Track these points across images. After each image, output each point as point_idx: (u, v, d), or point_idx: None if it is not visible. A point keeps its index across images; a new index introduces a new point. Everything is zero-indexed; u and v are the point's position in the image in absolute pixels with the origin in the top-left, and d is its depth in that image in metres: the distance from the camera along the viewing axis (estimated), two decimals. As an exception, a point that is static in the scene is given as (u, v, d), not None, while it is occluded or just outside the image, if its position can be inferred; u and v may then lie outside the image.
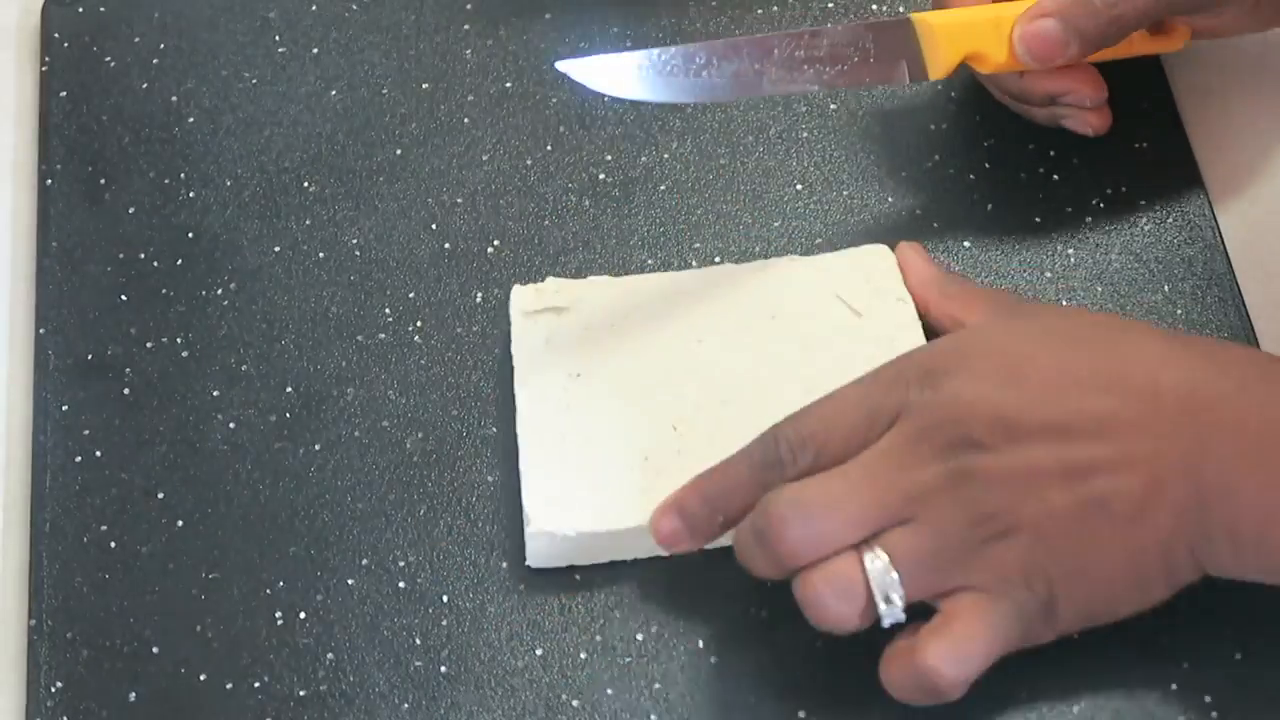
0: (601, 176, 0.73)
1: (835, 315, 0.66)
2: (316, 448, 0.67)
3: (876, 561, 0.56)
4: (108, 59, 0.77)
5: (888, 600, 0.56)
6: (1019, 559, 0.56)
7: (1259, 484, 0.54)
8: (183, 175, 0.74)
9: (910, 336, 0.65)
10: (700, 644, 0.62)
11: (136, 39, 0.78)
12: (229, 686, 0.62)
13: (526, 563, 0.63)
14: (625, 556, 0.63)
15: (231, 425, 0.67)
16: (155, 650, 0.62)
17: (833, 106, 0.75)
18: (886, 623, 0.57)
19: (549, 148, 0.74)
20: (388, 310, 0.70)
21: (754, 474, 0.59)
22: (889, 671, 0.57)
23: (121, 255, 0.72)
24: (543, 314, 0.66)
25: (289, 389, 0.68)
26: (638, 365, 0.65)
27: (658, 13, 0.78)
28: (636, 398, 0.64)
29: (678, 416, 0.64)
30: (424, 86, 0.76)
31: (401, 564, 0.64)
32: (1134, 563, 0.56)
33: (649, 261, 0.70)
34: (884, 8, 0.77)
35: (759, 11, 0.78)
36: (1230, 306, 0.68)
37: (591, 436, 0.63)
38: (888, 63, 0.66)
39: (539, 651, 0.62)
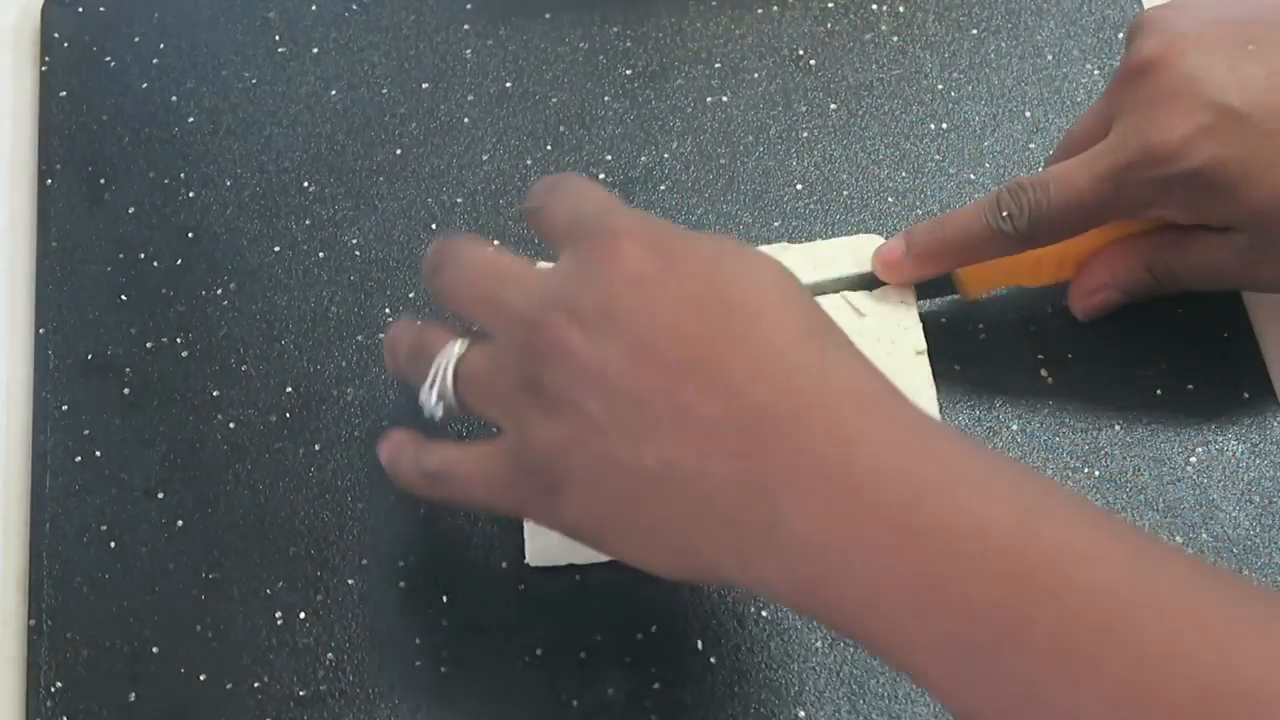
0: (601, 176, 0.73)
1: (837, 316, 0.66)
2: (316, 448, 0.67)
3: (451, 348, 0.58)
4: (108, 59, 0.77)
5: (433, 384, 0.58)
6: (543, 442, 0.54)
7: (817, 500, 0.50)
8: (183, 175, 0.74)
9: (908, 319, 0.65)
10: (700, 644, 0.62)
11: (136, 39, 0.78)
12: (229, 686, 0.62)
13: (526, 561, 0.63)
14: (625, 556, 0.63)
15: (231, 425, 0.67)
16: (155, 650, 0.62)
17: (833, 106, 0.75)
18: (425, 410, 0.59)
19: (549, 148, 0.74)
20: (388, 310, 0.70)
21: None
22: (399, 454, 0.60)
23: (121, 255, 0.72)
24: None
25: (289, 389, 0.68)
26: None
27: (658, 12, 0.78)
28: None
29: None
30: (424, 86, 0.76)
31: (401, 564, 0.64)
32: (652, 511, 0.53)
33: (649, 261, 0.70)
34: (883, 8, 0.77)
35: (759, 11, 0.78)
36: (1231, 306, 0.68)
37: (591, 436, 0.63)
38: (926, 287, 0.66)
39: (539, 651, 0.62)
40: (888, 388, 0.52)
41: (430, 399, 0.58)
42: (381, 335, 0.69)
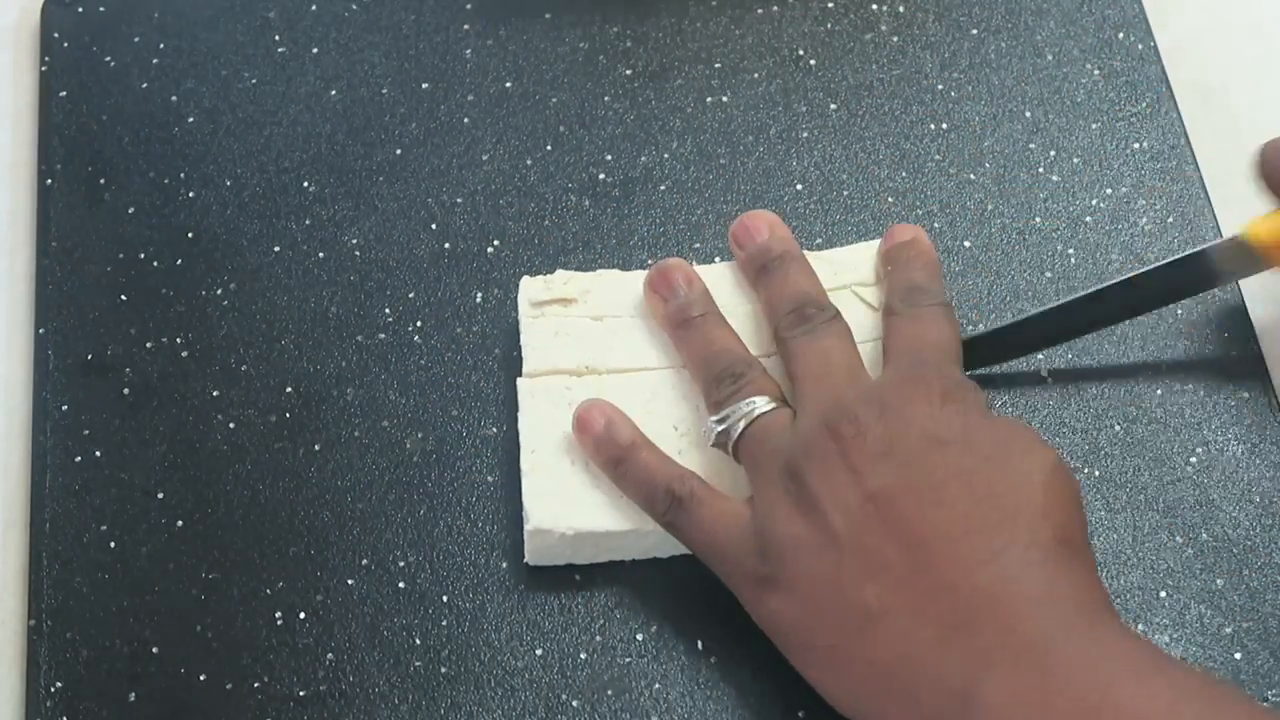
0: (601, 176, 0.73)
1: (849, 310, 0.66)
2: (316, 448, 0.67)
3: (756, 402, 0.60)
4: (108, 59, 0.77)
5: (723, 422, 0.61)
6: (783, 532, 0.57)
7: (1011, 693, 0.52)
8: (183, 175, 0.74)
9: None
10: (700, 644, 0.62)
11: (136, 39, 0.78)
12: (229, 686, 0.62)
13: (526, 561, 0.63)
14: (624, 556, 0.63)
15: (231, 425, 0.67)
16: (155, 650, 0.62)
17: (833, 106, 0.75)
18: (701, 432, 0.62)
19: (549, 148, 0.74)
20: (388, 310, 0.70)
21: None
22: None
23: (121, 255, 0.72)
24: (551, 305, 0.66)
25: (289, 389, 0.68)
26: (643, 362, 0.65)
27: (658, 12, 0.78)
28: (639, 396, 0.64)
29: (679, 416, 0.64)
30: (424, 86, 0.76)
31: (401, 564, 0.64)
32: (853, 646, 0.55)
33: (649, 261, 0.70)
34: (883, 8, 0.77)
35: (759, 11, 0.78)
36: (1230, 306, 0.68)
37: (592, 436, 0.64)
38: (1232, 272, 0.65)
39: (539, 651, 0.62)
40: (1108, 605, 0.55)
41: (712, 430, 0.61)
42: (382, 335, 0.69)
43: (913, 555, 0.55)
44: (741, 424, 0.60)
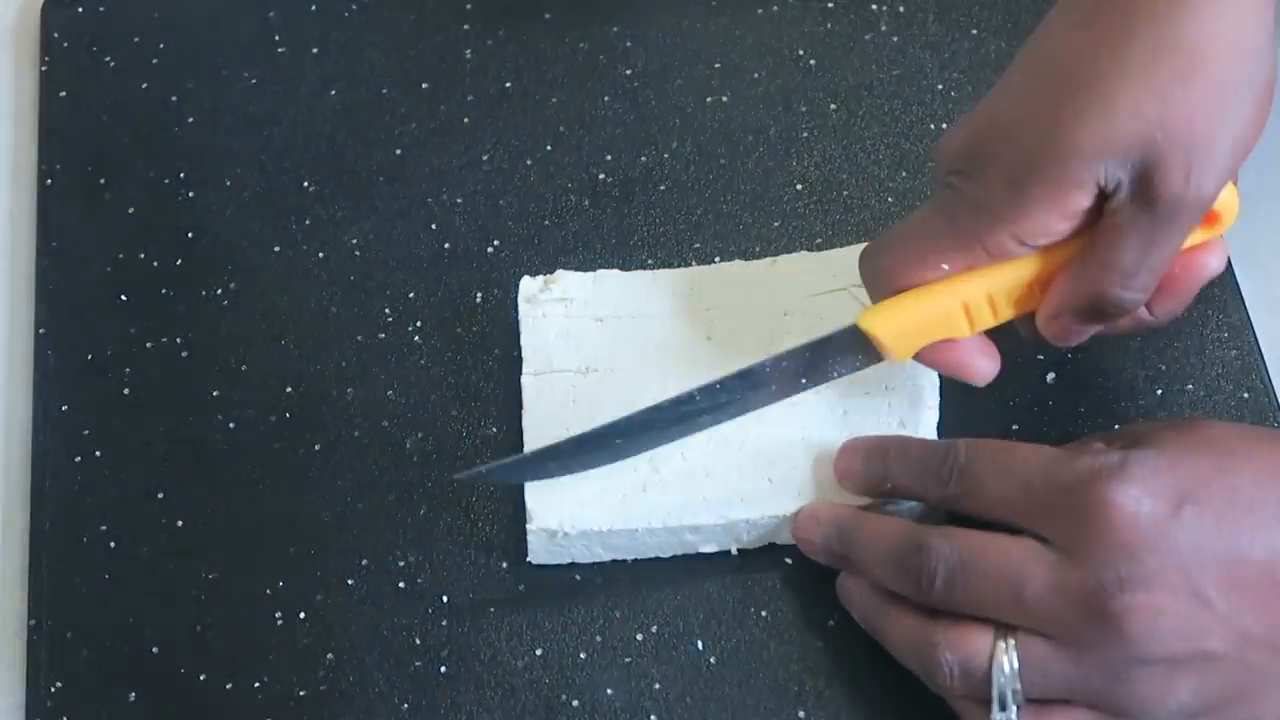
0: (601, 176, 0.73)
1: (848, 311, 0.66)
2: (316, 448, 0.67)
3: (1002, 659, 0.55)
4: (108, 59, 0.77)
5: (1003, 705, 0.55)
6: (1182, 703, 0.54)
7: None
8: (183, 175, 0.74)
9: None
10: (700, 644, 0.62)
11: (136, 39, 0.78)
12: (229, 686, 0.62)
13: (528, 559, 0.63)
14: (626, 556, 0.63)
15: (231, 425, 0.67)
16: (155, 650, 0.62)
17: (833, 106, 0.75)
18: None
19: (549, 148, 0.74)
20: (388, 310, 0.70)
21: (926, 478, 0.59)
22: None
23: (121, 255, 0.72)
24: (553, 306, 0.66)
25: (289, 389, 0.68)
26: (646, 361, 0.65)
27: (658, 12, 0.78)
28: (643, 395, 0.64)
29: (679, 416, 0.64)
30: (424, 86, 0.76)
31: (401, 564, 0.64)
32: None
33: (649, 261, 0.70)
34: (883, 8, 0.77)
35: (759, 11, 0.78)
36: (1230, 306, 0.68)
37: (593, 435, 0.63)
38: (850, 360, 0.62)
39: (539, 651, 0.62)
40: None
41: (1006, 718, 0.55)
42: (382, 335, 0.69)
43: None
44: (1017, 684, 0.55)
